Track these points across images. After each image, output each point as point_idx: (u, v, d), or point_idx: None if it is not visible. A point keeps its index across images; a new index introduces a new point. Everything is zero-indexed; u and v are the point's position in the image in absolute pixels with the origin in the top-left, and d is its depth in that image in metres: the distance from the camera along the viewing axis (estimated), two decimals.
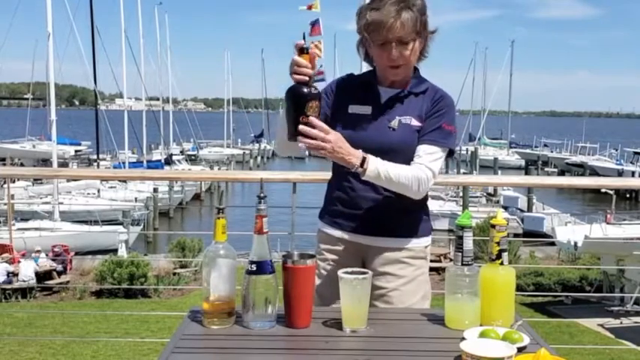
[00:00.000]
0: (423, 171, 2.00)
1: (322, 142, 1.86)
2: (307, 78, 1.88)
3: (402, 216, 2.08)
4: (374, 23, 1.96)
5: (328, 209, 2.16)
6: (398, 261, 2.08)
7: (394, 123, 2.04)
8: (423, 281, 2.15)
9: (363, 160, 1.92)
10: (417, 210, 2.12)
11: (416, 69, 2.12)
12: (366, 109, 2.08)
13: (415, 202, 2.06)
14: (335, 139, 1.89)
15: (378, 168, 1.94)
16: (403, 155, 2.03)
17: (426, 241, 2.15)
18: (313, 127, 1.86)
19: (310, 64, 1.88)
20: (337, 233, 2.11)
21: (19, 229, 18.66)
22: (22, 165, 30.47)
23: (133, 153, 35.80)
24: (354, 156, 1.92)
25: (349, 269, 1.78)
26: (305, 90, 1.86)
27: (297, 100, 1.87)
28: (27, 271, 14.77)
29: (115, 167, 28.91)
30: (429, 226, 2.17)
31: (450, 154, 2.11)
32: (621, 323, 12.36)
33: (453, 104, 2.13)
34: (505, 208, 24.46)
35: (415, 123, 2.05)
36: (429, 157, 2.02)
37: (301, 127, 1.85)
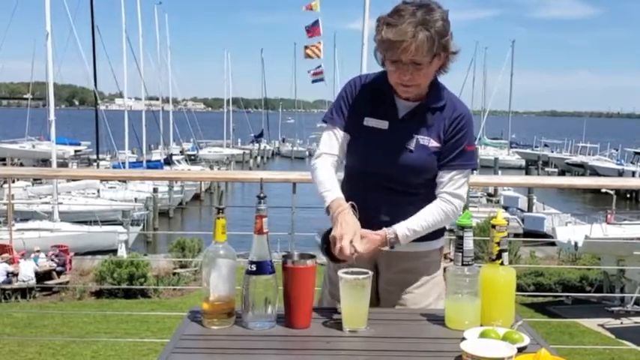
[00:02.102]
0: (448, 202, 2.02)
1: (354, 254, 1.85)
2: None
3: None
4: (388, 42, 1.88)
5: None
6: (413, 264, 2.08)
7: (412, 144, 2.00)
8: (437, 282, 2.14)
9: (392, 238, 1.95)
10: None
11: (434, 78, 2.03)
12: (383, 124, 2.02)
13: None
14: (363, 248, 1.88)
15: (407, 235, 1.97)
16: (420, 175, 2.04)
17: (439, 242, 2.14)
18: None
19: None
20: None
21: (18, 230, 18.65)
22: (21, 165, 30.44)
23: (133, 153, 35.80)
24: (381, 241, 1.94)
25: (349, 269, 1.78)
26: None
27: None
28: (27, 271, 14.78)
29: (114, 167, 28.91)
30: (442, 228, 2.14)
31: (473, 170, 2.12)
32: (621, 323, 12.37)
33: (471, 119, 2.07)
34: (505, 208, 24.50)
35: (434, 144, 2.00)
36: (453, 184, 2.03)
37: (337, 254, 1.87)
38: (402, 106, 2.03)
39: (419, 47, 1.85)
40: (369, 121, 2.03)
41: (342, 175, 2.17)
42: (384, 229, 1.96)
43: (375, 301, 2.05)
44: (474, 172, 2.25)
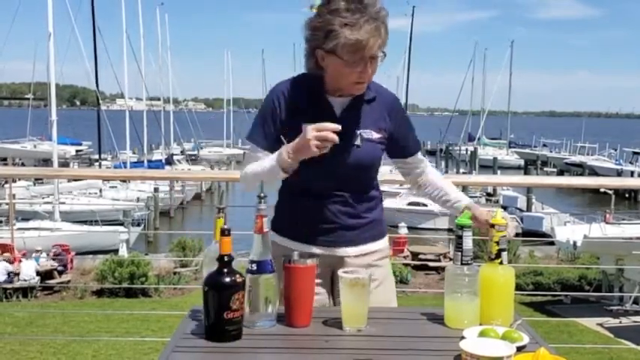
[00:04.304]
0: (431, 166, 2.22)
1: None
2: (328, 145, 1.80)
3: (370, 222, 2.08)
4: (355, 44, 1.83)
5: (294, 224, 2.04)
6: (369, 265, 2.07)
7: (357, 139, 1.98)
8: (391, 279, 2.20)
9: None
10: (379, 212, 2.12)
11: None
12: None
13: (376, 204, 2.10)
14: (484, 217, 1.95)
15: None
16: (370, 171, 2.06)
17: (387, 239, 2.18)
18: None
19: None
20: (311, 249, 2.02)
21: (19, 229, 18.66)
22: (22, 165, 30.46)
23: (134, 153, 35.80)
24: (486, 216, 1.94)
25: (349, 269, 1.80)
26: (228, 280, 1.61)
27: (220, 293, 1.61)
28: (28, 270, 14.79)
29: (116, 167, 28.91)
30: (385, 223, 2.19)
31: None
32: (620, 322, 12.37)
33: (400, 102, 2.15)
34: (504, 207, 24.48)
35: (376, 135, 2.01)
36: (427, 163, 2.21)
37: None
38: (337, 105, 1.99)
39: (382, 42, 1.88)
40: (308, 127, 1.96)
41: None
42: (458, 204, 2.07)
43: (333, 306, 2.06)
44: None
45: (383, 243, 2.14)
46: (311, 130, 1.81)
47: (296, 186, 2.03)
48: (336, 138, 1.80)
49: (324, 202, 2.00)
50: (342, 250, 2.05)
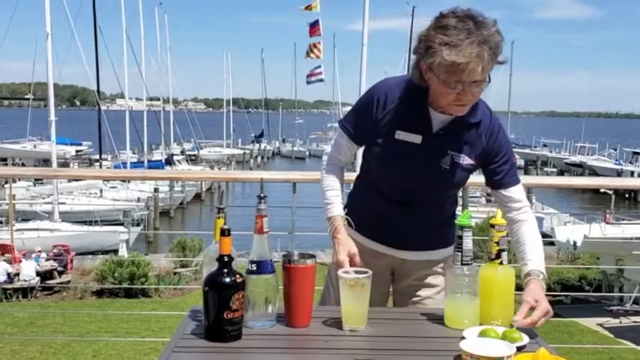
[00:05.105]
0: (531, 213, 2.06)
1: None
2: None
3: (438, 230, 2.07)
4: (451, 66, 1.73)
5: (363, 221, 2.06)
6: (432, 271, 2.09)
7: (446, 161, 1.93)
8: None
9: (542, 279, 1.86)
10: (449, 221, 2.07)
11: None
12: (416, 138, 1.92)
13: (449, 215, 2.08)
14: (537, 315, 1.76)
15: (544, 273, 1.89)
16: (450, 193, 2.05)
17: (451, 248, 2.15)
18: None
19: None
20: (374, 245, 2.06)
21: (18, 230, 18.65)
22: (22, 165, 30.46)
23: (134, 153, 35.81)
24: (546, 307, 1.78)
25: (349, 269, 1.80)
26: (228, 280, 1.61)
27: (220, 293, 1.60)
28: (28, 270, 14.78)
29: (116, 167, 28.91)
30: (453, 232, 2.15)
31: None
32: (620, 323, 12.36)
33: (503, 129, 2.04)
34: None
35: (468, 161, 1.95)
36: (523, 195, 2.06)
37: None
38: (437, 120, 1.93)
39: (485, 68, 1.75)
40: (401, 135, 1.93)
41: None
42: (525, 265, 1.89)
43: (384, 304, 2.09)
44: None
45: (447, 252, 2.05)
46: (345, 257, 1.88)
47: (373, 183, 2.04)
48: (347, 268, 1.84)
49: (396, 208, 2.00)
50: (403, 252, 2.06)
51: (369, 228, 2.06)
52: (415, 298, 2.10)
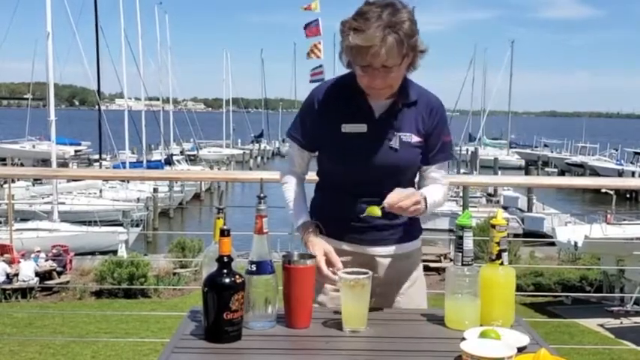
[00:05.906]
0: (445, 188, 2.10)
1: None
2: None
3: (403, 224, 2.06)
4: (357, 47, 1.81)
5: (326, 220, 2.05)
6: (401, 266, 2.08)
7: (395, 142, 1.97)
8: (422, 280, 2.18)
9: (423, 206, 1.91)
10: None
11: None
12: (361, 127, 1.96)
13: None
14: (404, 202, 1.85)
15: (432, 204, 1.96)
16: (407, 174, 2.04)
17: (420, 241, 2.16)
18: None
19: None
20: (343, 245, 2.04)
21: (17, 230, 18.66)
22: (21, 165, 30.48)
23: (133, 153, 35.82)
24: (419, 206, 1.88)
25: (349, 269, 1.79)
26: (227, 280, 1.61)
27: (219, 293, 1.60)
28: (27, 271, 14.78)
29: (115, 167, 28.92)
30: (420, 225, 2.17)
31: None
32: (621, 323, 12.36)
33: (444, 108, 2.10)
34: (505, 208, 24.48)
35: (415, 139, 1.99)
36: (443, 174, 2.09)
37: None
38: (377, 106, 1.98)
39: (389, 51, 1.79)
40: (347, 127, 1.97)
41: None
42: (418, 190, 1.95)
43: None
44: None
45: (416, 244, 2.12)
46: (321, 255, 1.89)
47: (331, 183, 2.06)
48: (324, 273, 1.86)
49: (358, 201, 1.99)
50: (372, 249, 2.05)
51: (335, 228, 2.05)
52: (388, 296, 2.08)
